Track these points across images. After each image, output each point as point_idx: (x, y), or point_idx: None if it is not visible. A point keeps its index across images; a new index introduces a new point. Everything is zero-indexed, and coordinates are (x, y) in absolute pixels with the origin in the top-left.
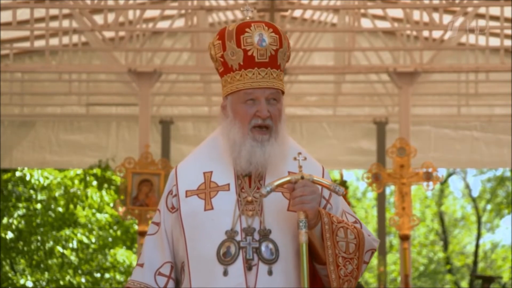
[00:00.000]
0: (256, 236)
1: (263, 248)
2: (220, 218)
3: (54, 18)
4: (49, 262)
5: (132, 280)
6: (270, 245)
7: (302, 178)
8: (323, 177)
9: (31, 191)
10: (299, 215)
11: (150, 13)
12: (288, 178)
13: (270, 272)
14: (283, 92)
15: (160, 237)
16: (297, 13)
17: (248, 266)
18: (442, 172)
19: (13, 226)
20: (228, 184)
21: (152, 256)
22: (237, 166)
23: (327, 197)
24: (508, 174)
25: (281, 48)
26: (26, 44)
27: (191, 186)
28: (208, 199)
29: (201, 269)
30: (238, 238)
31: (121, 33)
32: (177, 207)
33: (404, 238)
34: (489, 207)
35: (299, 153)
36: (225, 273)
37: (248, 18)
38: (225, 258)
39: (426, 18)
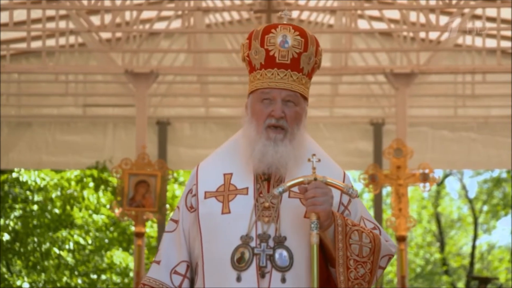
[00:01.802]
0: (271, 243)
1: (277, 256)
2: (236, 222)
3: (50, 19)
4: (46, 263)
5: (148, 276)
6: (284, 253)
7: (315, 179)
8: (343, 181)
9: (28, 192)
10: (311, 217)
11: (147, 14)
12: (300, 179)
13: (283, 280)
14: (305, 98)
15: (178, 235)
16: (294, 14)
17: (261, 273)
18: (438, 173)
19: (10, 228)
20: (247, 188)
21: (169, 254)
22: (253, 166)
23: (345, 203)
24: (504, 175)
25: (306, 52)
26: (23, 45)
27: (211, 188)
28: (226, 202)
29: (215, 272)
30: (253, 244)
31: (118, 34)
32: (196, 208)
33: (401, 239)
34: (485, 208)
35: (313, 155)
36: (239, 279)
37: (285, 21)
38: (239, 264)
39: (422, 19)
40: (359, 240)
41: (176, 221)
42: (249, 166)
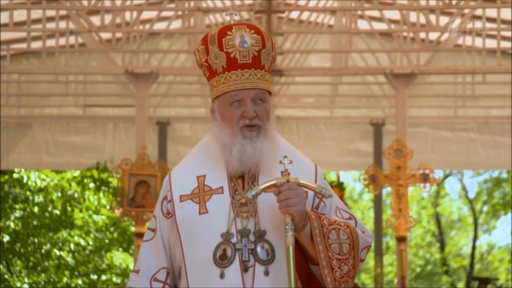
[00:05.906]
0: (252, 238)
1: (258, 249)
2: (215, 221)
3: (51, 19)
4: (46, 264)
5: (128, 286)
6: (266, 246)
7: (288, 181)
8: (316, 175)
9: (28, 193)
10: (285, 218)
11: (147, 14)
12: (273, 182)
13: (266, 273)
14: (269, 93)
15: (156, 243)
16: (294, 14)
17: (245, 268)
18: (438, 174)
19: (10, 228)
20: (222, 187)
21: (148, 262)
22: (229, 167)
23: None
24: (504, 175)
25: (264, 48)
26: (23, 46)
27: (185, 191)
28: (203, 202)
29: (198, 272)
30: (234, 240)
31: (118, 35)
32: (172, 213)
33: (401, 239)
34: (485, 208)
35: (285, 157)
36: (222, 275)
37: (232, 21)
38: (221, 260)
39: (423, 20)
40: (337, 239)
41: (153, 230)
42: (222, 166)
